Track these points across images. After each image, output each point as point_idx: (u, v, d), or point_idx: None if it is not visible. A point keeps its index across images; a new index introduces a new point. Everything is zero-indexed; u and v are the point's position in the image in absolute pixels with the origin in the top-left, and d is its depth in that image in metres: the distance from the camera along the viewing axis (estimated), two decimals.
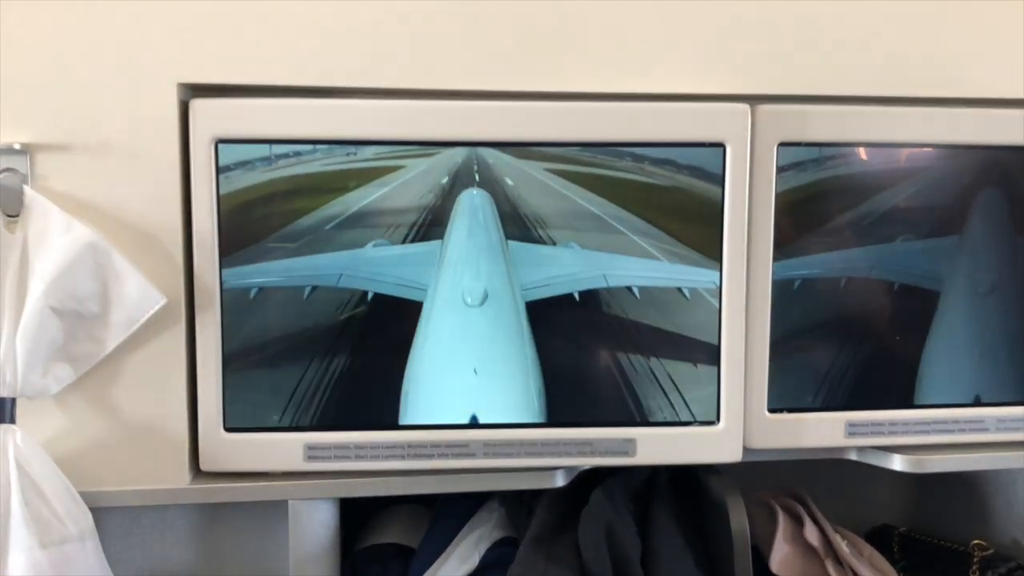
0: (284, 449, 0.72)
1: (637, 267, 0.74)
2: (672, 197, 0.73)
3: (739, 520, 0.77)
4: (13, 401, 0.66)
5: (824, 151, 0.75)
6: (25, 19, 0.66)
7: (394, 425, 0.73)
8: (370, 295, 0.72)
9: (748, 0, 0.72)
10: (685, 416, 0.75)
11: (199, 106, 0.68)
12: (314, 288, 0.72)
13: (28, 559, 0.64)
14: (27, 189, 0.66)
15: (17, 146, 0.66)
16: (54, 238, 0.66)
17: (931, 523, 1.02)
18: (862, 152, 0.76)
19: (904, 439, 0.79)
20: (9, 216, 0.66)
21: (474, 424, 0.73)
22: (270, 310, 0.71)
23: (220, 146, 0.69)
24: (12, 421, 0.66)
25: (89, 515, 0.68)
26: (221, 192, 0.69)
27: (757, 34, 0.73)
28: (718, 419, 0.75)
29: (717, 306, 0.74)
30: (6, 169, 0.66)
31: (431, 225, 0.72)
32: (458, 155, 0.71)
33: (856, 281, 0.77)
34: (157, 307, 0.68)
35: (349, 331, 0.72)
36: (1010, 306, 0.79)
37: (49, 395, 0.68)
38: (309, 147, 0.70)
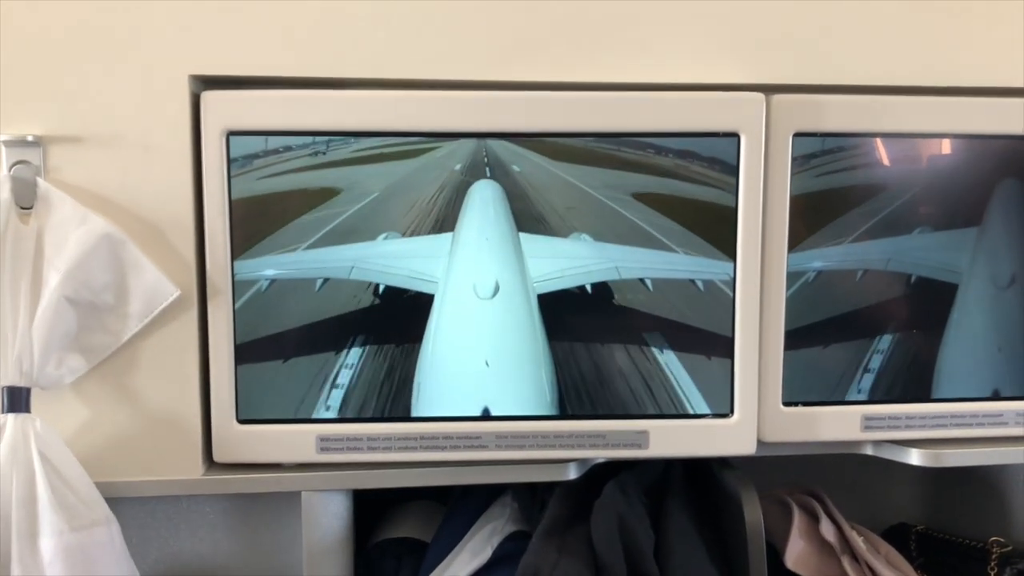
0: (296, 441, 0.72)
1: (650, 259, 0.73)
2: (686, 188, 0.72)
3: (753, 514, 0.76)
4: (29, 391, 0.67)
5: (840, 141, 0.74)
6: (37, 11, 0.66)
7: (406, 417, 0.73)
8: (381, 287, 0.72)
9: None
10: (698, 409, 0.74)
11: (210, 98, 0.68)
12: (325, 280, 0.72)
13: (59, 543, 0.65)
14: (40, 181, 0.66)
15: (30, 138, 0.66)
16: (69, 229, 0.66)
17: (949, 521, 1.01)
18: (878, 142, 0.75)
19: (921, 433, 0.78)
20: (23, 208, 0.67)
21: (486, 416, 0.73)
22: (282, 302, 0.71)
23: (231, 138, 0.69)
24: (28, 410, 0.67)
25: (104, 502, 0.68)
26: (233, 184, 0.70)
27: (772, 23, 0.72)
28: (732, 412, 0.75)
29: (731, 298, 0.74)
30: (19, 161, 0.67)
31: (442, 217, 0.72)
32: (469, 146, 0.71)
33: (872, 273, 0.77)
34: (171, 299, 0.69)
35: (361, 323, 0.72)
36: None
37: (63, 385, 0.68)
38: (320, 139, 0.70)
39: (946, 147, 0.76)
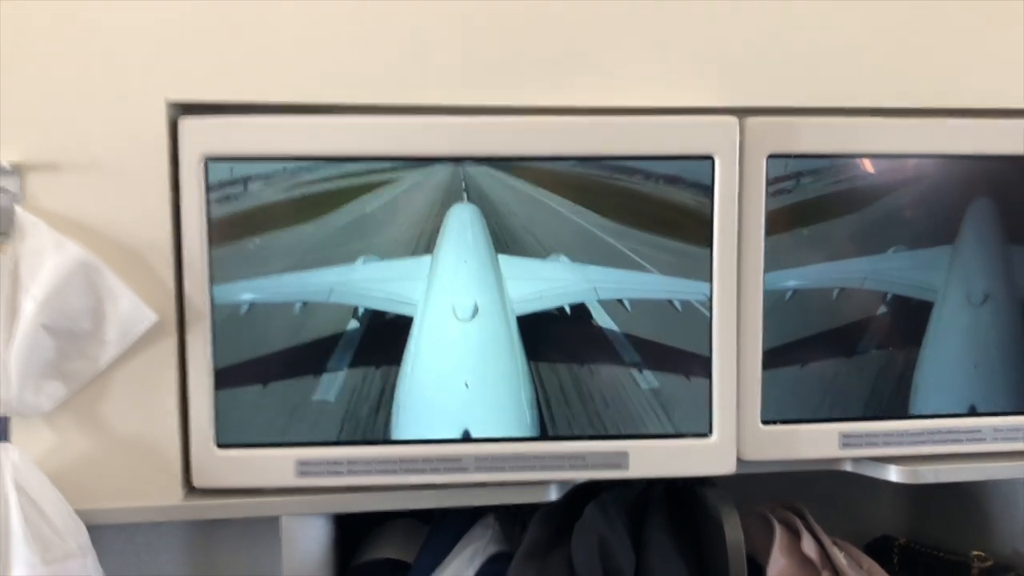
0: (276, 465, 0.72)
1: (628, 279, 0.74)
2: (662, 209, 0.73)
3: (734, 533, 0.76)
4: (7, 419, 0.67)
5: (814, 163, 0.75)
6: (14, 38, 0.66)
7: (386, 440, 0.73)
8: (361, 310, 0.72)
9: (736, 12, 0.73)
10: (678, 428, 0.75)
11: (188, 124, 0.69)
12: (304, 304, 0.72)
13: None
14: (18, 208, 0.66)
15: (7, 165, 0.66)
16: (45, 257, 0.66)
17: (932, 535, 1.02)
18: (852, 163, 0.76)
19: (899, 450, 0.79)
20: None
21: (466, 438, 0.73)
22: (261, 326, 0.71)
23: (209, 164, 0.69)
24: (6, 439, 0.67)
25: (85, 531, 0.68)
26: (211, 209, 0.70)
27: (746, 46, 0.73)
28: (711, 431, 0.75)
29: (708, 318, 0.74)
30: None
31: (421, 240, 0.72)
32: (446, 170, 0.71)
33: (849, 291, 0.77)
34: (149, 324, 0.68)
35: (340, 346, 0.72)
36: (1004, 315, 0.79)
37: (42, 413, 0.68)
38: (298, 164, 0.70)
39: (920, 167, 0.77)
